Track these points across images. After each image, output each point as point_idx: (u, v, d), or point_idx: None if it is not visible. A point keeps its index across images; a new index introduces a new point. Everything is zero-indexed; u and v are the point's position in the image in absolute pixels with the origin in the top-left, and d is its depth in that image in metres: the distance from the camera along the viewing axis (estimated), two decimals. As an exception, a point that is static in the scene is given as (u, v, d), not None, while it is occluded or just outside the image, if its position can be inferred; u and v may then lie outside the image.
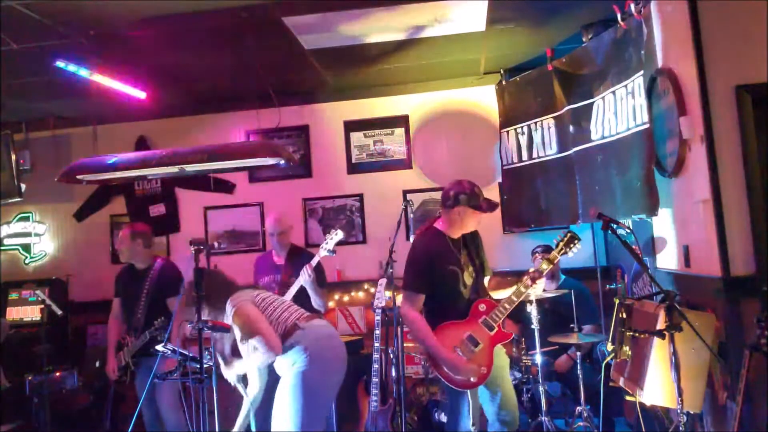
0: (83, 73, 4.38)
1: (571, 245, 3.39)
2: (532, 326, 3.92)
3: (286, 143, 5.85)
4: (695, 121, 3.31)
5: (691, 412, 3.24)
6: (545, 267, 3.37)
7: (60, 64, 4.22)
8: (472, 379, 3.27)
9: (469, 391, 3.34)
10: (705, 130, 3.21)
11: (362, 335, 5.41)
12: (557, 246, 3.41)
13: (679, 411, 2.95)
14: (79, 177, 4.38)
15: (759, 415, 2.97)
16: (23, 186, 5.72)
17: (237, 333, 3.22)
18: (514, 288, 3.41)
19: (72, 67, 4.30)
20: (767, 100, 3.17)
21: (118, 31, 4.03)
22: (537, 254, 4.66)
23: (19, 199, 5.72)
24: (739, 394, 2.55)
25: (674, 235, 3.81)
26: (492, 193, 5.57)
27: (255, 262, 4.64)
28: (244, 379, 3.45)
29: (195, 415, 3.19)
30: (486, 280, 3.61)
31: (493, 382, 3.41)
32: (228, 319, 3.26)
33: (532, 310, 3.83)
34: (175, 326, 3.93)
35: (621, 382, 3.56)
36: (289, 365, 3.23)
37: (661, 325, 3.03)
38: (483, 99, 5.68)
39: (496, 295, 3.56)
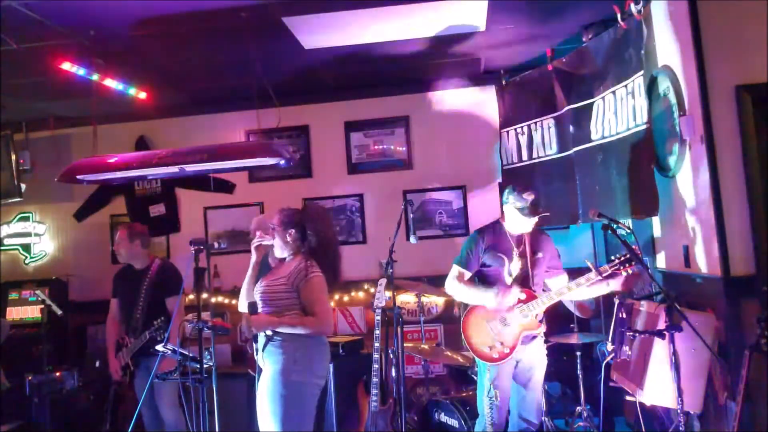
0: (85, 73, 4.38)
1: (627, 265, 3.40)
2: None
3: (286, 143, 5.84)
4: (695, 121, 3.32)
5: (691, 412, 3.24)
6: (593, 277, 3.42)
7: (66, 65, 4.22)
8: (494, 355, 3.46)
9: (493, 371, 3.46)
10: (705, 130, 3.22)
11: (362, 335, 5.41)
12: (612, 261, 3.45)
13: (679, 411, 2.96)
14: (79, 177, 4.38)
15: (759, 415, 2.97)
16: (23, 186, 5.72)
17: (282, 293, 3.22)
18: (557, 288, 3.55)
19: (77, 69, 4.30)
20: (767, 100, 3.18)
21: (118, 31, 4.03)
22: None
23: (19, 199, 5.73)
24: (739, 394, 2.55)
25: (674, 235, 3.81)
26: (492, 193, 5.59)
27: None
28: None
29: (195, 415, 3.19)
30: (561, 279, 3.65)
31: (523, 374, 3.56)
32: (296, 276, 3.22)
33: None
34: (175, 326, 3.93)
35: (621, 382, 3.56)
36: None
37: (661, 325, 3.04)
38: (483, 99, 5.67)
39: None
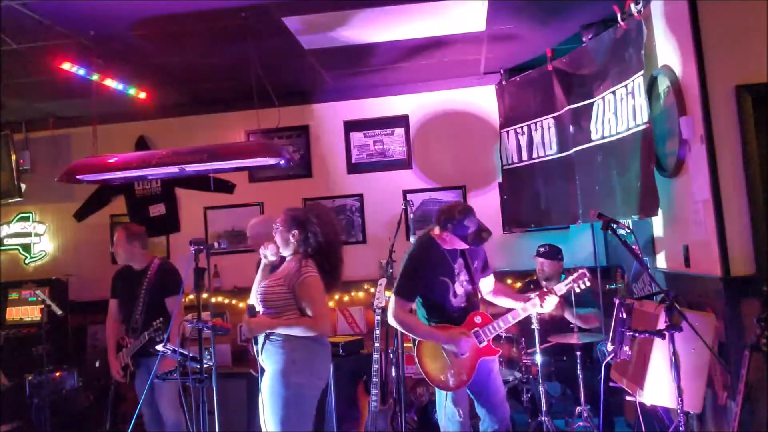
0: (85, 73, 4.37)
1: (580, 282, 3.52)
2: (532, 326, 3.93)
3: (286, 143, 5.85)
4: (695, 121, 3.32)
5: (691, 412, 3.24)
6: (552, 299, 3.46)
7: (66, 65, 4.22)
8: (450, 384, 3.39)
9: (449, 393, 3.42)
10: (705, 130, 3.22)
11: (362, 335, 5.41)
12: (566, 279, 3.54)
13: (679, 411, 2.96)
14: (79, 177, 4.38)
15: (759, 415, 2.97)
16: (23, 186, 5.72)
17: (278, 295, 3.19)
18: (513, 308, 3.52)
19: (77, 69, 4.30)
20: (767, 100, 3.18)
21: (118, 31, 4.03)
22: (539, 256, 4.64)
23: (19, 199, 5.73)
24: (739, 394, 2.55)
25: (674, 235, 3.81)
26: (492, 193, 5.59)
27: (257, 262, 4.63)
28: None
29: (195, 415, 3.19)
30: (490, 279, 3.65)
31: (481, 378, 3.47)
32: (291, 277, 3.19)
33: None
34: (175, 326, 3.92)
35: (621, 382, 3.56)
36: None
37: (661, 325, 3.04)
38: (483, 99, 5.67)
39: (497, 301, 3.67)
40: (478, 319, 3.43)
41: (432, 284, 3.42)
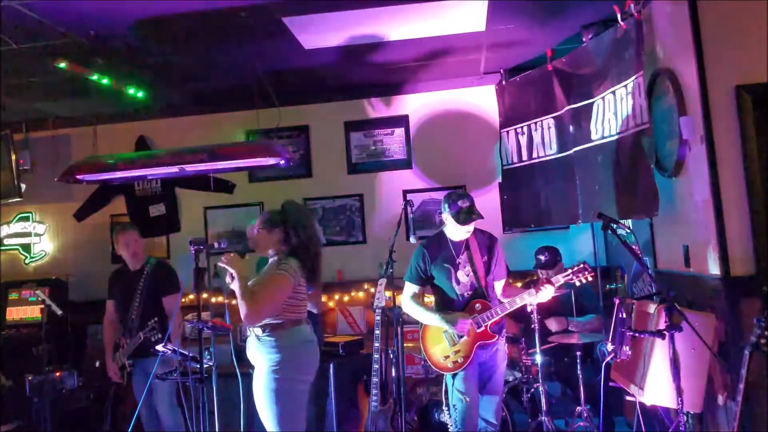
0: (85, 73, 4.37)
1: (580, 276, 3.53)
2: (533, 326, 3.92)
3: (286, 143, 5.84)
4: (695, 121, 3.32)
5: (691, 412, 3.24)
6: (548, 289, 3.50)
7: (60, 64, 4.22)
8: (449, 365, 3.54)
9: (457, 378, 3.51)
10: (705, 130, 3.22)
11: (362, 335, 5.41)
12: (566, 272, 3.56)
13: (679, 411, 2.96)
14: (79, 177, 4.39)
15: (759, 415, 2.97)
16: (23, 186, 5.72)
17: (244, 278, 3.19)
18: (512, 298, 3.59)
19: (76, 69, 4.30)
20: (767, 100, 3.17)
21: (118, 31, 4.03)
22: (541, 267, 4.63)
23: (19, 199, 5.73)
24: (739, 394, 2.55)
25: (674, 235, 3.81)
26: (492, 193, 5.59)
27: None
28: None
29: (195, 415, 3.19)
30: (501, 284, 3.72)
31: (483, 375, 3.58)
32: (269, 267, 3.27)
33: (533, 309, 3.84)
34: (175, 325, 3.92)
35: (621, 382, 3.56)
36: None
37: (661, 325, 3.03)
38: (483, 99, 5.67)
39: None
40: (478, 306, 3.55)
41: (436, 269, 3.61)
